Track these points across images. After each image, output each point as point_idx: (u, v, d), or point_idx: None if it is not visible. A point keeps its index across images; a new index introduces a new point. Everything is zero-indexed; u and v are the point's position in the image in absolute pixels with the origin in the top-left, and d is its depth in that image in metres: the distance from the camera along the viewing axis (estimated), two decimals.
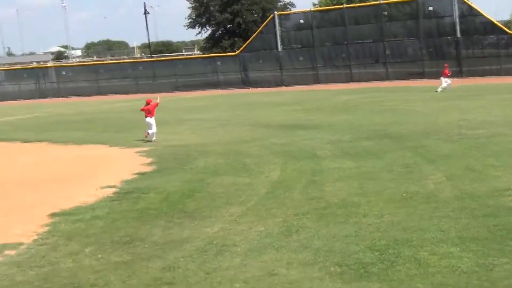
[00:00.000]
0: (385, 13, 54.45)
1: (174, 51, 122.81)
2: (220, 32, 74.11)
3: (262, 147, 20.61)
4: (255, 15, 70.82)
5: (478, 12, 51.49)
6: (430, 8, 53.05)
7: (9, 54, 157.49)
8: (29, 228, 12.05)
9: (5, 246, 10.99)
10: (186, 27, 75.20)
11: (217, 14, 71.26)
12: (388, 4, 54.62)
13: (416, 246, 9.46)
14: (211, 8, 72.52)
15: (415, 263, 8.76)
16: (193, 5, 73.79)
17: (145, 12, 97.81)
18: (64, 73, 66.98)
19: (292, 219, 11.48)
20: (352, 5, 59.33)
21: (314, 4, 72.77)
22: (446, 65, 40.65)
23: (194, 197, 13.88)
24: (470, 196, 12.35)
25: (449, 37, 52.29)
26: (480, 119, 23.88)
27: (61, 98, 54.87)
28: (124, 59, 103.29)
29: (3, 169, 20.09)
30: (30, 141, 26.39)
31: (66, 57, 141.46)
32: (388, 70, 54.32)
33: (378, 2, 54.20)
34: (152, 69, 64.75)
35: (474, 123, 22.97)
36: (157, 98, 26.28)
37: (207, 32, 75.39)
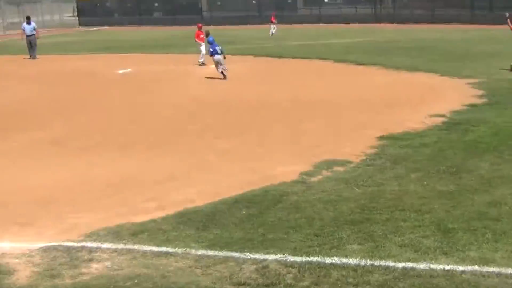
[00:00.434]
0: None
1: None
2: None
3: None
4: None
5: None
6: None
7: None
8: (358, 148, 12.62)
9: (335, 162, 11.68)
10: None
11: None
12: None
13: None
14: None
15: None
16: None
17: None
18: None
19: None
20: None
21: None
22: None
23: None
24: None
25: None
26: None
27: (395, 24, 55.09)
28: None
29: (337, 89, 21.01)
30: (363, 64, 27.12)
31: None
32: None
33: None
34: None
35: None
36: None
37: None
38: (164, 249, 7.93)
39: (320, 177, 10.91)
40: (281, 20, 51.12)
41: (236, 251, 7.78)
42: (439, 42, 36.43)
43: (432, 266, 7.12)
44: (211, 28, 31.10)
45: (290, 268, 7.19)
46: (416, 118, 15.18)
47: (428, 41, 36.80)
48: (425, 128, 14.23)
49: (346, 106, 17.75)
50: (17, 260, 7.71)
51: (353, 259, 7.36)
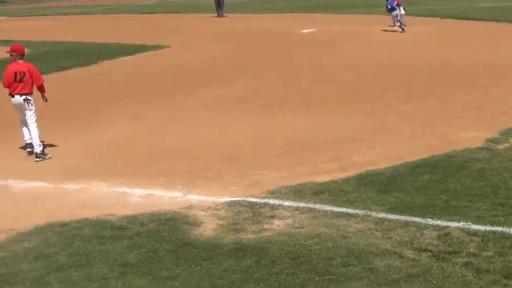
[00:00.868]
0: None
1: None
2: None
3: None
4: None
5: None
6: None
7: None
8: None
9: None
10: None
11: None
12: None
13: None
14: None
15: None
16: None
17: None
18: None
19: None
20: None
21: None
22: None
23: None
24: None
25: None
26: None
27: None
28: None
29: None
30: None
31: None
32: None
33: None
34: None
35: None
36: None
37: None
38: (344, 210, 7.96)
39: (507, 144, 10.44)
40: None
41: (417, 216, 7.65)
42: None
43: None
44: None
45: (473, 237, 6.96)
46: None
47: None
48: None
49: None
50: (203, 213, 8.05)
51: None
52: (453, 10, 34.18)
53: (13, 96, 10.99)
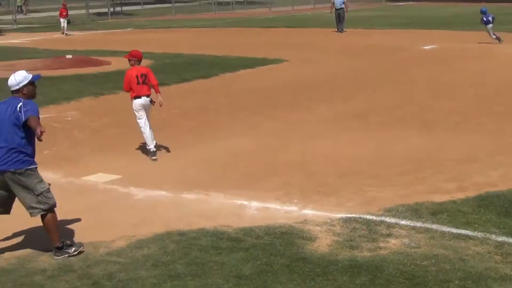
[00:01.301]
0: None
1: None
2: None
3: None
4: None
5: None
6: None
7: None
8: None
9: None
10: None
11: None
12: None
13: None
14: None
15: None
16: None
17: None
18: None
19: None
20: None
21: None
22: None
23: None
24: None
25: None
26: None
27: None
28: None
29: None
30: None
31: None
32: None
33: None
34: None
35: None
36: None
37: None
38: (463, 231, 7.76)
39: None
40: None
41: None
42: None
43: None
44: None
45: None
46: None
47: None
48: None
49: None
50: (318, 228, 8.04)
51: None
52: None
53: (139, 98, 11.40)
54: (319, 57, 25.10)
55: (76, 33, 38.87)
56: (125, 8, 62.11)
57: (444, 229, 7.85)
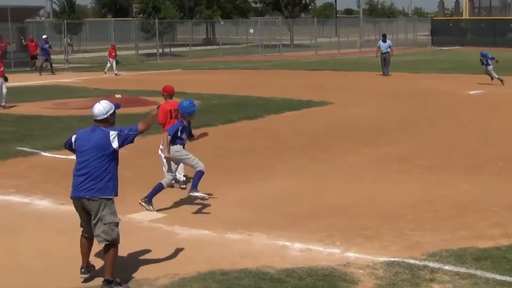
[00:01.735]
0: None
1: None
2: None
3: None
4: None
5: None
6: None
7: None
8: None
9: None
10: None
11: None
12: None
13: None
14: None
15: None
16: None
17: None
18: None
19: None
20: None
21: None
22: None
23: None
24: None
25: None
26: None
27: None
28: None
29: None
30: None
31: None
32: None
33: None
34: None
35: None
36: None
37: None
38: (508, 278, 7.65)
39: None
40: None
41: None
42: None
43: None
44: None
45: None
46: None
47: None
48: None
49: None
50: (361, 271, 8.01)
51: None
52: None
53: None
54: (364, 100, 25.13)
55: (125, 73, 39.59)
56: (173, 49, 63.11)
57: (488, 276, 7.75)
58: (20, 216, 10.63)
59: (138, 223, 10.22)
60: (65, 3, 69.19)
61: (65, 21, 56.37)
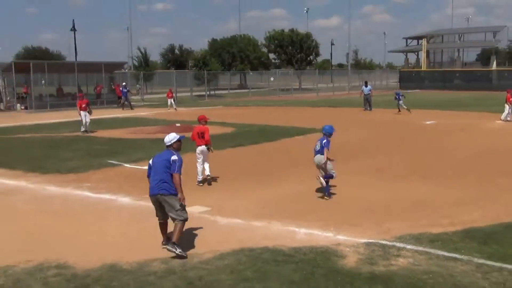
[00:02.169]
0: None
1: None
2: None
3: None
4: None
5: None
6: None
7: None
8: None
9: None
10: None
11: None
12: None
13: None
14: None
15: None
16: None
17: None
18: None
19: None
20: None
21: None
22: None
23: None
24: None
25: None
26: None
27: None
28: None
29: None
30: None
31: None
32: None
33: None
34: None
35: None
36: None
37: None
38: (453, 255, 7.58)
39: None
40: None
41: (509, 263, 7.13)
42: None
43: None
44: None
45: None
46: None
47: None
48: None
49: None
50: (348, 249, 7.99)
51: None
52: None
53: (199, 146, 12.55)
54: (351, 127, 25.03)
55: (182, 109, 39.87)
56: (217, 92, 63.45)
57: (439, 253, 7.69)
58: (108, 208, 10.75)
59: (190, 214, 10.22)
60: (142, 59, 70.02)
61: (141, 72, 57.04)
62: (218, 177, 13.27)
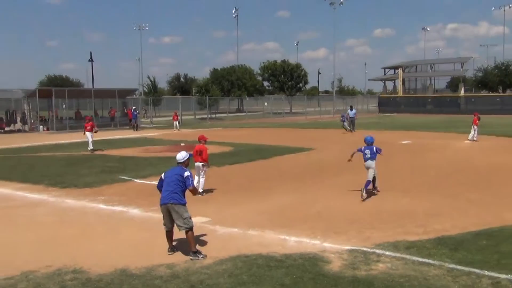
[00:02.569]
0: None
1: None
2: None
3: None
4: None
5: None
6: None
7: None
8: None
9: None
10: None
11: None
12: None
13: None
14: None
15: None
16: None
17: None
18: None
19: None
20: None
21: None
22: None
23: None
24: None
25: None
26: None
27: None
28: None
29: None
30: None
31: None
32: None
33: None
34: None
35: None
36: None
37: None
38: (426, 260, 7.56)
39: None
40: None
41: (477, 268, 7.11)
42: None
43: None
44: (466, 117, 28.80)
45: None
46: None
47: None
48: None
49: None
50: (332, 255, 7.95)
51: None
52: (508, 131, 31.91)
53: (196, 162, 12.77)
54: (335, 147, 25.06)
55: (187, 130, 39.87)
56: (217, 115, 63.56)
57: (414, 258, 7.67)
58: (120, 219, 10.69)
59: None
60: (151, 86, 70.30)
61: (151, 97, 57.16)
62: (215, 188, 13.31)
